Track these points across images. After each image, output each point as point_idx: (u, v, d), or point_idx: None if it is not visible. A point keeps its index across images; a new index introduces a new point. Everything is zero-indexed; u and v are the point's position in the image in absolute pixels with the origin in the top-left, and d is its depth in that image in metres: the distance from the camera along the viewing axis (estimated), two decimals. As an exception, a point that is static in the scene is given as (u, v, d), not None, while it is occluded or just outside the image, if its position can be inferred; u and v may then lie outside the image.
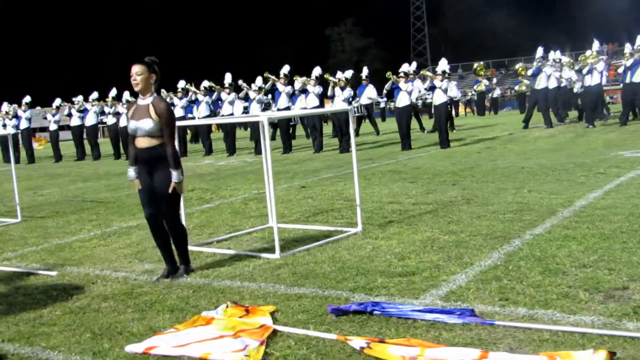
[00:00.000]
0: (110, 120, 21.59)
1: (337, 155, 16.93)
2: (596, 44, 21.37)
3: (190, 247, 6.53)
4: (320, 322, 4.24)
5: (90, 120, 21.96)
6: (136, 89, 5.55)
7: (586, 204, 7.50)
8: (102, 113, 22.36)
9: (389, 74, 17.90)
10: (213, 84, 18.90)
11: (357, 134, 23.34)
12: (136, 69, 5.49)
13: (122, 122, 20.59)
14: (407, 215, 7.63)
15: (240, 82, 19.30)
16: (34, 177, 16.82)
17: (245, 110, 19.11)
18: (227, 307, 4.64)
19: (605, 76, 21.42)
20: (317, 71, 17.89)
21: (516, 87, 37.17)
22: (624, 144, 14.27)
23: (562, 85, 22.39)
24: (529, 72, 21.99)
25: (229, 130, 19.20)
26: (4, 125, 22.71)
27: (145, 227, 7.98)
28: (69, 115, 22.72)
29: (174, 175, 5.54)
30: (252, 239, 7.14)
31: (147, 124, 5.48)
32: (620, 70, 19.95)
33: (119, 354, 4.00)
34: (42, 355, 4.12)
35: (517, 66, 39.32)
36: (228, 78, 18.84)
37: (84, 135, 23.13)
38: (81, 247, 7.38)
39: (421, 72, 21.47)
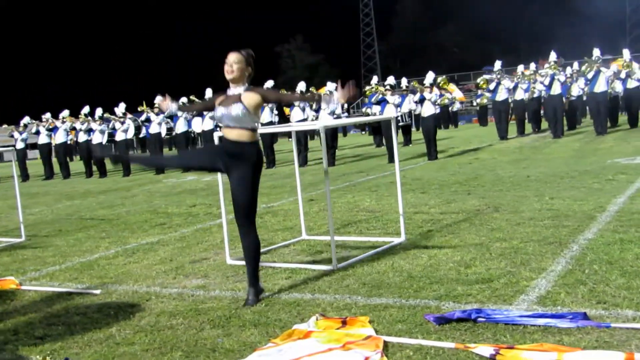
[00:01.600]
0: (81, 137, 21.02)
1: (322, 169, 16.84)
2: (553, 55, 21.92)
3: (231, 261, 6.40)
4: (426, 331, 4.13)
5: (60, 138, 21.36)
6: (229, 76, 5.21)
7: (618, 209, 7.58)
8: (73, 129, 21.79)
9: (414, 83, 17.93)
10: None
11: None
12: (233, 57, 5.19)
13: (95, 139, 20.15)
14: (442, 224, 7.58)
15: None
16: (11, 197, 16.24)
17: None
18: (317, 319, 4.49)
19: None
20: (330, 86, 18.00)
21: (477, 100, 37.72)
22: (611, 151, 14.57)
23: (535, 95, 22.80)
24: (491, 86, 22.35)
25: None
26: (-34, 145, 22.01)
27: (170, 243, 7.81)
28: (37, 132, 22.07)
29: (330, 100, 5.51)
30: (292, 251, 7.00)
31: (236, 109, 5.10)
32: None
33: (227, 371, 3.83)
34: (140, 375, 3.91)
35: (478, 80, 40.06)
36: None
37: (52, 154, 22.51)
38: (109, 264, 7.11)
39: (411, 84, 21.44)
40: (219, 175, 6.37)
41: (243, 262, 6.37)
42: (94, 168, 20.98)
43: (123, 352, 4.32)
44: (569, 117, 24.22)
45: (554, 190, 9.35)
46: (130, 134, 20.95)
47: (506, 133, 21.16)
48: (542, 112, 24.43)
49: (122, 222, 10.07)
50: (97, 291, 5.96)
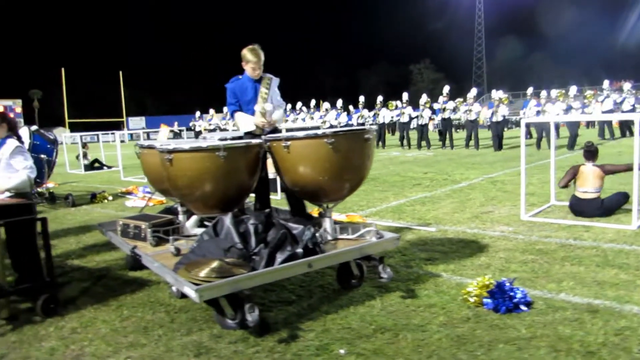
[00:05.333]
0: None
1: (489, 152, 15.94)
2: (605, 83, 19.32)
3: (527, 217, 5.88)
4: None
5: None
6: None
7: None
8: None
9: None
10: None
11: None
12: None
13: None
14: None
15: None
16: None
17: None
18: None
19: None
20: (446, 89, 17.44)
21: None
22: None
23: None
24: None
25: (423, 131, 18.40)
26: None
27: (442, 198, 7.41)
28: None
29: None
30: (566, 213, 6.35)
31: None
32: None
33: None
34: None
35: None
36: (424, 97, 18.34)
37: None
38: (412, 210, 6.83)
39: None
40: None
41: (537, 219, 5.88)
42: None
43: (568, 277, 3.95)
44: None
45: None
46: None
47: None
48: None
49: (385, 182, 9.81)
50: (433, 228, 5.68)
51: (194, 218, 4.51)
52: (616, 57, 65.80)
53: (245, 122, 4.28)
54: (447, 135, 18.01)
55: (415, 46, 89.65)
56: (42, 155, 7.85)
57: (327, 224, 4.01)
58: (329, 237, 4.00)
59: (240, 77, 4.34)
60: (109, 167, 15.40)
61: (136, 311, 3.74)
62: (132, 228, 4.37)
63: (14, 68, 64.23)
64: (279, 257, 3.34)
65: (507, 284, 3.44)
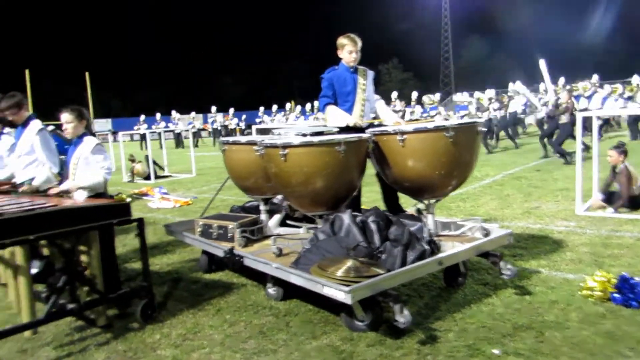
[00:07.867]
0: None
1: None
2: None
3: (582, 212, 5.89)
4: None
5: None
6: None
7: None
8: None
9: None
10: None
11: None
12: None
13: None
14: None
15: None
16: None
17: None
18: None
19: None
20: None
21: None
22: None
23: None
24: None
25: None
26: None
27: (479, 195, 7.35)
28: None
29: None
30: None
31: None
32: None
33: None
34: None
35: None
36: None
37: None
38: (456, 206, 6.77)
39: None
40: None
41: (592, 214, 5.91)
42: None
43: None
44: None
45: None
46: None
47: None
48: None
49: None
50: (495, 225, 5.60)
51: (276, 217, 4.35)
52: (577, 56, 67.51)
53: (337, 118, 4.13)
54: None
55: (382, 46, 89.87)
56: (62, 157, 7.47)
57: (429, 220, 3.91)
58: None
59: (336, 67, 4.19)
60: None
61: (240, 315, 3.55)
62: (215, 228, 4.16)
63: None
64: (410, 255, 3.22)
65: (634, 279, 3.41)
